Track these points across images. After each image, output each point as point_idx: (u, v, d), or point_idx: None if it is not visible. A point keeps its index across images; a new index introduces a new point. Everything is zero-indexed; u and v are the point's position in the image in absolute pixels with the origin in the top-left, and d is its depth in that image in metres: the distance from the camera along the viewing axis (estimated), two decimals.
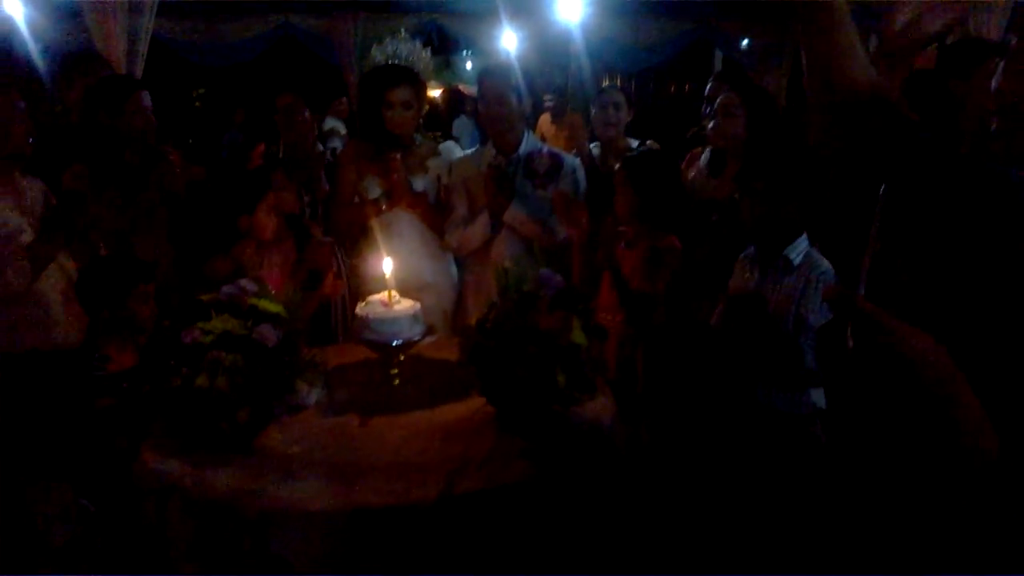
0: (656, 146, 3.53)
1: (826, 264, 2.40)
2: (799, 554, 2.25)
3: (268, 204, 2.87)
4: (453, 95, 9.73)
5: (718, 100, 3.13)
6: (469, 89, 11.02)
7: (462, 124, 8.04)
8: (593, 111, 3.68)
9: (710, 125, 3.17)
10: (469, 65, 13.57)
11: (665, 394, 2.61)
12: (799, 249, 2.42)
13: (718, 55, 10.11)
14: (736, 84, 3.33)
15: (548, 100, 6.59)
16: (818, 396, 2.38)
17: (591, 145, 3.62)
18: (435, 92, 9.85)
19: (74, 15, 5.13)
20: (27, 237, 2.58)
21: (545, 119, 6.22)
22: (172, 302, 2.29)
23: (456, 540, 1.90)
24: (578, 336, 2.15)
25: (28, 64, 2.98)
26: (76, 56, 4.02)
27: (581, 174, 3.16)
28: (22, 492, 2.31)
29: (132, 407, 2.30)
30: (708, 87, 3.71)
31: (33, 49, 5.12)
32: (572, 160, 3.20)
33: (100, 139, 3.07)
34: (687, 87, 12.59)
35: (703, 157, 3.30)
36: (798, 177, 2.39)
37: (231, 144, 7.19)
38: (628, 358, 2.71)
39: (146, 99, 3.12)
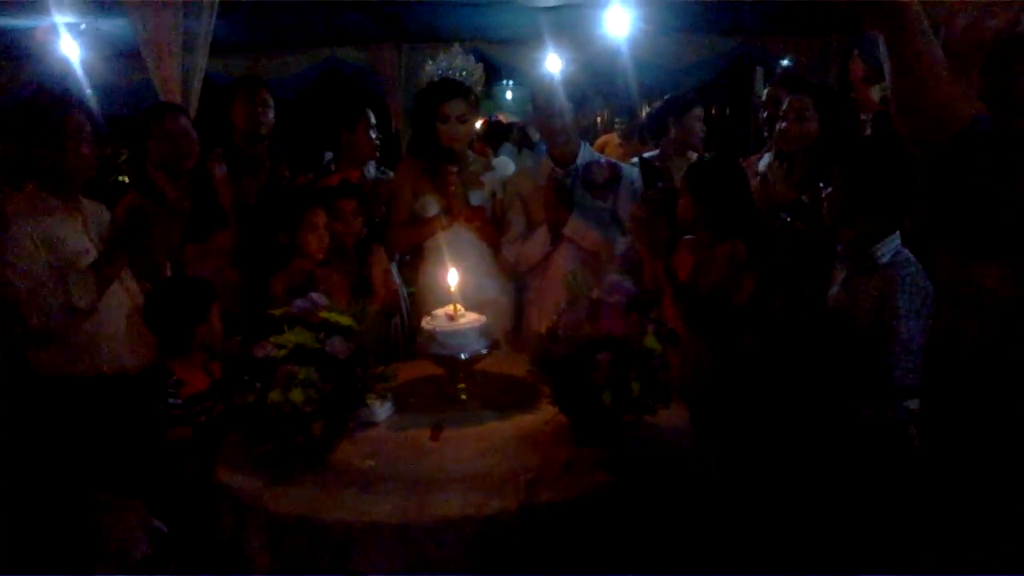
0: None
1: (914, 265, 2.19)
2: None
3: (311, 222, 2.83)
4: (492, 126, 9.74)
5: (786, 103, 3.10)
6: (510, 118, 11.08)
7: (507, 153, 8.06)
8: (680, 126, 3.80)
9: (779, 127, 3.13)
10: (510, 95, 13.67)
11: (737, 404, 2.54)
12: (888, 247, 2.22)
13: (758, 77, 9.93)
14: (801, 88, 3.27)
15: (619, 123, 6.56)
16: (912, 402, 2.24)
17: (648, 155, 3.62)
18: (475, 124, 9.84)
19: (131, 55, 5.27)
20: (91, 258, 2.58)
21: (611, 139, 6.23)
22: (241, 321, 2.28)
23: (535, 551, 1.85)
24: (651, 341, 2.11)
25: (83, 104, 2.99)
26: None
27: (639, 185, 3.13)
28: (92, 512, 2.30)
29: (207, 430, 2.30)
30: (765, 93, 3.67)
31: (87, 88, 5.26)
32: (631, 170, 3.18)
33: (138, 163, 3.12)
34: (727, 111, 12.18)
35: (762, 162, 3.25)
36: (882, 168, 2.22)
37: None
38: (694, 368, 2.64)
39: (174, 121, 3.11)
